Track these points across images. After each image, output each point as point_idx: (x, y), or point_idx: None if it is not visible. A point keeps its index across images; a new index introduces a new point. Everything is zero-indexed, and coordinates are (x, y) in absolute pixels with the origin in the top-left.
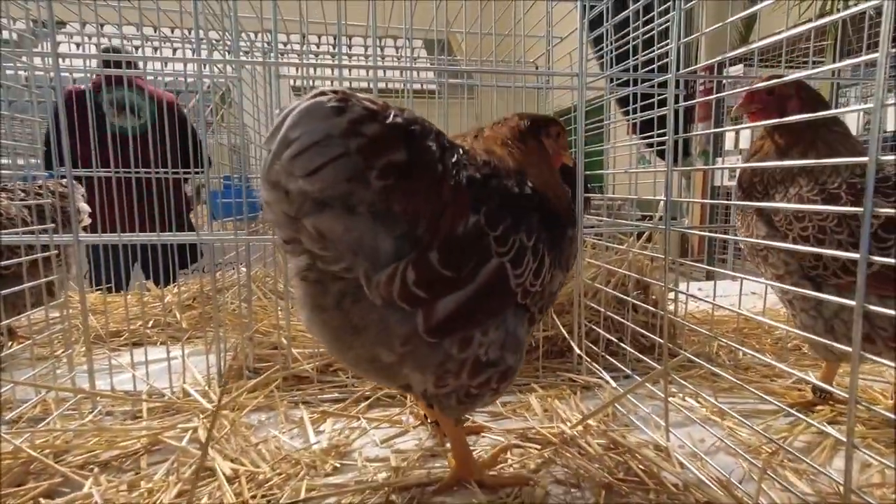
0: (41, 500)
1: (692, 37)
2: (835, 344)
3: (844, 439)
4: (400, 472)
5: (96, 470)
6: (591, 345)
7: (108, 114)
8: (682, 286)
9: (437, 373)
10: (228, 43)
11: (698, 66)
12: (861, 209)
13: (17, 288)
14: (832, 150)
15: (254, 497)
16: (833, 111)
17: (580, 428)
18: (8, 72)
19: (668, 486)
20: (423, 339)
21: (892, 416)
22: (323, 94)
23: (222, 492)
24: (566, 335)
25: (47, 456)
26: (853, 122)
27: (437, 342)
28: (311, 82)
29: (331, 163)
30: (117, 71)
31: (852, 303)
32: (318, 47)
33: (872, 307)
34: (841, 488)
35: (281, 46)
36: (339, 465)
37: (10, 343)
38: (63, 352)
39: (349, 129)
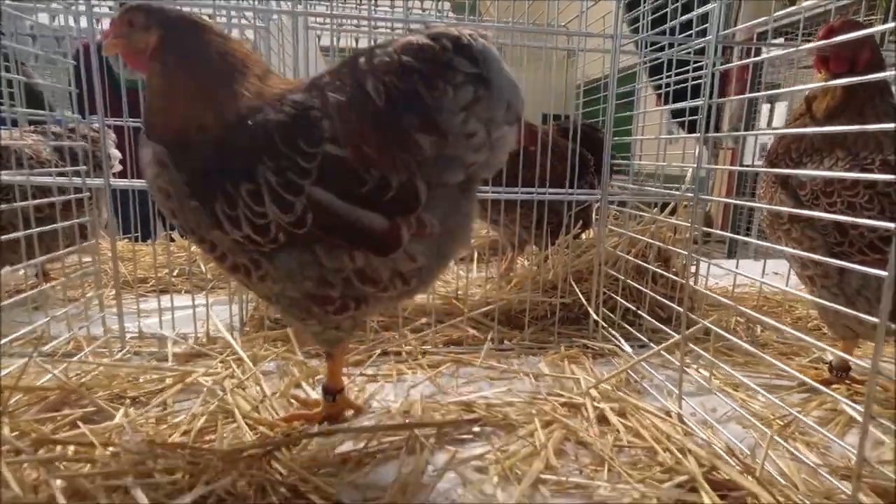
0: (79, 423)
1: None
2: (862, 315)
3: (860, 409)
4: (416, 416)
5: (127, 402)
6: (608, 312)
7: (114, 66)
8: (704, 264)
9: None
10: None
11: (737, 27)
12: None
13: (50, 226)
14: (880, 123)
15: (274, 435)
16: (879, 74)
17: (593, 391)
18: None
19: (676, 452)
20: None
21: None
22: None
23: (242, 431)
24: (584, 301)
25: (80, 388)
26: None
27: None
28: (338, 36)
29: None
30: None
31: (883, 273)
32: (344, 1)
33: None
34: (852, 461)
35: None
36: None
37: (43, 284)
38: (95, 293)
39: None
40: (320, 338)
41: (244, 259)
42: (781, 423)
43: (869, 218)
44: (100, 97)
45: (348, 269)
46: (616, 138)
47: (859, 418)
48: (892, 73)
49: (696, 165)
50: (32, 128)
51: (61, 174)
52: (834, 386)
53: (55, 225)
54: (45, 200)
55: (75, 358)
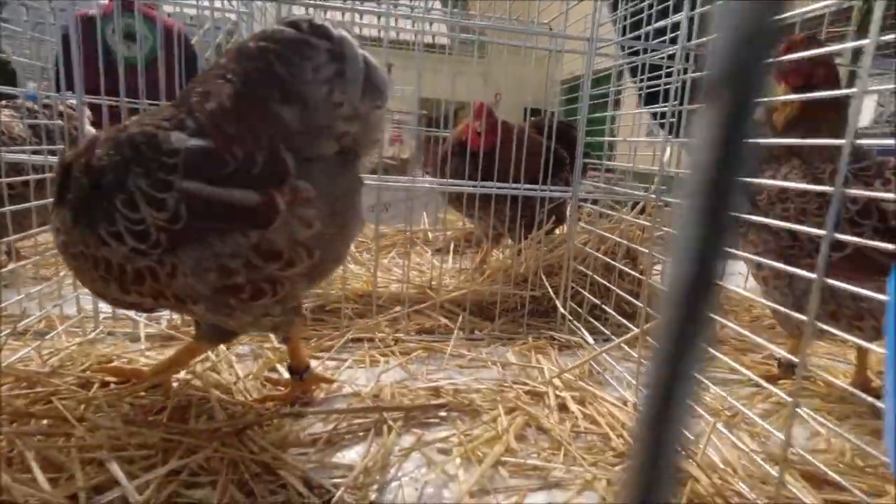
0: (52, 399)
1: (705, 8)
2: (795, 314)
3: (792, 400)
4: (386, 400)
5: (100, 381)
6: (576, 306)
7: (110, 43)
8: None
9: None
10: None
11: (709, 37)
12: (832, 188)
13: (23, 205)
14: (833, 137)
15: (245, 415)
16: (824, 93)
17: (556, 380)
18: None
19: (628, 438)
20: None
21: (839, 383)
22: None
23: (216, 411)
24: (552, 295)
25: (54, 366)
26: (867, 113)
27: None
28: None
29: None
30: None
31: (813, 276)
32: None
33: (834, 282)
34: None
35: None
36: (326, 396)
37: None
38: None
39: None
40: (258, 327)
41: (145, 262)
42: (729, 415)
43: (818, 224)
44: (78, 74)
45: (245, 250)
46: (591, 138)
47: (798, 410)
48: (846, 91)
49: (661, 168)
50: (4, 102)
51: (36, 152)
52: (781, 381)
53: (28, 204)
54: (19, 179)
55: (48, 336)
